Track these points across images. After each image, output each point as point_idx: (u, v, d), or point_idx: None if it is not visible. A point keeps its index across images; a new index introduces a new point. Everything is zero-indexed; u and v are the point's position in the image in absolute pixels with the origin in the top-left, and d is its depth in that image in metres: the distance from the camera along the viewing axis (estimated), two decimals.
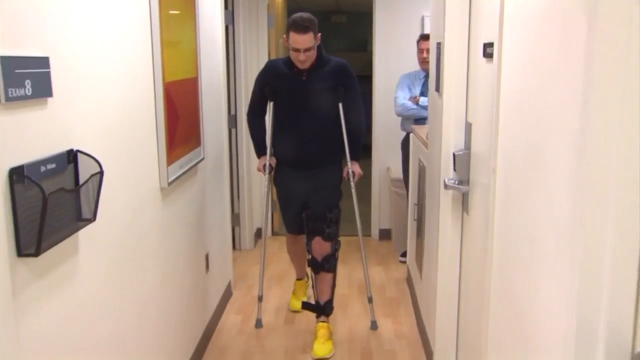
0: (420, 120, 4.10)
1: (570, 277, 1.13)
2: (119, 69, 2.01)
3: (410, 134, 4.13)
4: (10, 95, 1.32)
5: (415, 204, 3.74)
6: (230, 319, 3.57)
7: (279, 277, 4.20)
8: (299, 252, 3.56)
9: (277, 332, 3.38)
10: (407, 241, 4.29)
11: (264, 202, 3.49)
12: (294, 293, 3.72)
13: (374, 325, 3.44)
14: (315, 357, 3.10)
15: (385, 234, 5.14)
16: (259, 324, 3.46)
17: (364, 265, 3.47)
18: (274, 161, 3.33)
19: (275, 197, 3.84)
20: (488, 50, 2.08)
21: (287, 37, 3.03)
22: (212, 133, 3.35)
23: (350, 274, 4.25)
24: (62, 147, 1.58)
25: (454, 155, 2.58)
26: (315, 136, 3.16)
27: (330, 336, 3.23)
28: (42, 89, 1.47)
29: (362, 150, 3.37)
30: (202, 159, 3.08)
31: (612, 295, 1.05)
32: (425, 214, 3.32)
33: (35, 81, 1.43)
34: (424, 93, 4.19)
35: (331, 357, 3.13)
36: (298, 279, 3.74)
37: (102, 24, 1.86)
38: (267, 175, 3.33)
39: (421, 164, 3.54)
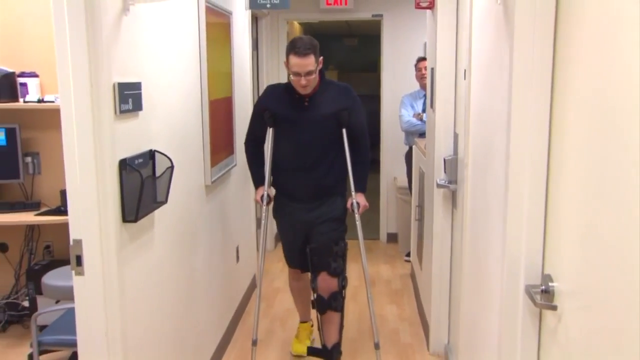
0: (424, 135, 4.67)
1: (504, 229, 1.69)
2: (179, 90, 2.62)
3: (413, 146, 4.70)
4: (121, 109, 1.93)
5: (417, 206, 4.30)
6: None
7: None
8: (302, 290, 3.37)
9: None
10: (410, 242, 4.84)
11: (262, 238, 3.18)
12: (296, 336, 3.44)
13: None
14: None
15: (392, 237, 5.70)
16: None
17: (368, 294, 3.18)
18: (272, 192, 3.16)
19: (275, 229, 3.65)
20: (466, 75, 2.66)
21: (287, 60, 2.88)
22: (241, 144, 3.94)
23: (359, 271, 4.78)
24: (146, 147, 2.18)
25: (444, 160, 3.15)
26: (317, 166, 2.99)
27: None
28: (137, 105, 2.07)
29: (371, 164, 3.20)
30: (235, 165, 3.68)
31: (528, 239, 1.60)
32: (425, 213, 3.87)
33: (133, 99, 2.03)
34: (425, 110, 4.77)
35: None
36: (302, 322, 3.49)
37: (170, 57, 2.48)
38: (264, 207, 3.12)
39: (421, 170, 4.11)
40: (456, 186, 3.08)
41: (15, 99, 3.60)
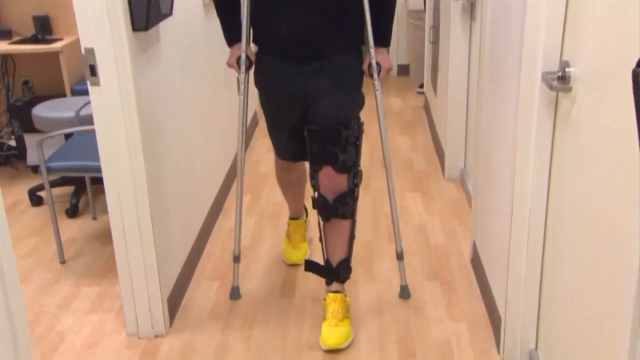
0: None
1: (524, 17, 1.98)
2: None
3: None
4: None
5: (431, 27, 4.55)
6: (259, 141, 4.54)
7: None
8: (294, 182, 2.95)
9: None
10: (424, 74, 5.16)
11: (240, 117, 2.67)
12: (288, 238, 3.04)
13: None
14: (325, 348, 2.41)
15: (403, 70, 6.01)
16: (235, 293, 2.76)
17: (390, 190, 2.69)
18: (252, 52, 2.57)
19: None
20: None
21: None
22: None
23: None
24: None
25: None
26: (320, 7, 2.35)
27: (347, 314, 2.51)
28: None
29: None
30: None
31: (548, 25, 1.90)
32: (440, 33, 4.14)
33: None
34: None
35: (348, 346, 2.41)
36: (292, 218, 3.07)
37: None
38: (242, 75, 2.57)
39: None
40: None
41: None
